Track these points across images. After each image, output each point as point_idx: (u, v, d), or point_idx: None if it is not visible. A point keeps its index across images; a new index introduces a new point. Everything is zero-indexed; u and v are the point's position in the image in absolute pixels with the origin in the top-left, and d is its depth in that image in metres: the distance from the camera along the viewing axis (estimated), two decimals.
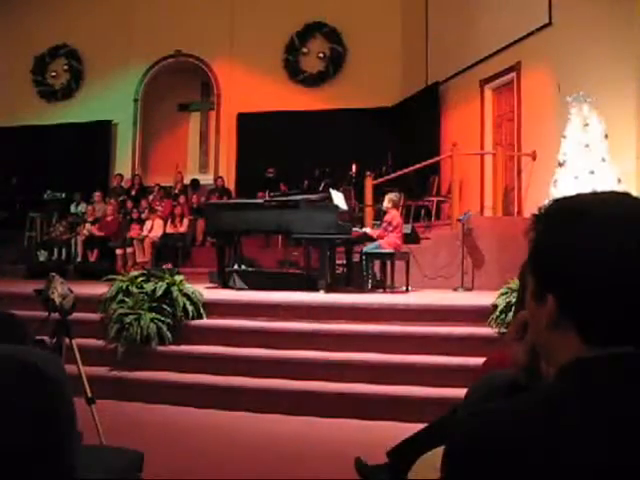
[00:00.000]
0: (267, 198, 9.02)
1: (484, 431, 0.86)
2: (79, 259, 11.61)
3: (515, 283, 5.61)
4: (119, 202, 12.97)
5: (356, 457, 3.54)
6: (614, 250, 0.87)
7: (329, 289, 7.33)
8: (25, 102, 15.39)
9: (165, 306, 6.05)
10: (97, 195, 13.15)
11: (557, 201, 0.96)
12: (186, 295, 6.20)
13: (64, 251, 11.84)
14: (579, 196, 0.96)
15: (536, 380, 1.04)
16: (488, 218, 9.78)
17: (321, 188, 11.01)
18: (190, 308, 6.13)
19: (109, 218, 12.09)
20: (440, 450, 1.01)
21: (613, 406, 0.83)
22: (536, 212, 0.98)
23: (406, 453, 2.12)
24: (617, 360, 0.87)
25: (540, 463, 0.81)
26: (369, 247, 7.93)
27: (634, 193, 0.96)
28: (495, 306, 5.68)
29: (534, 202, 9.04)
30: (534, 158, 9.62)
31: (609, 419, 0.82)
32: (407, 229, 8.64)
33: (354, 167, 12.24)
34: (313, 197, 8.29)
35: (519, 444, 0.83)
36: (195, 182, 14.27)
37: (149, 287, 6.17)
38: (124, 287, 6.28)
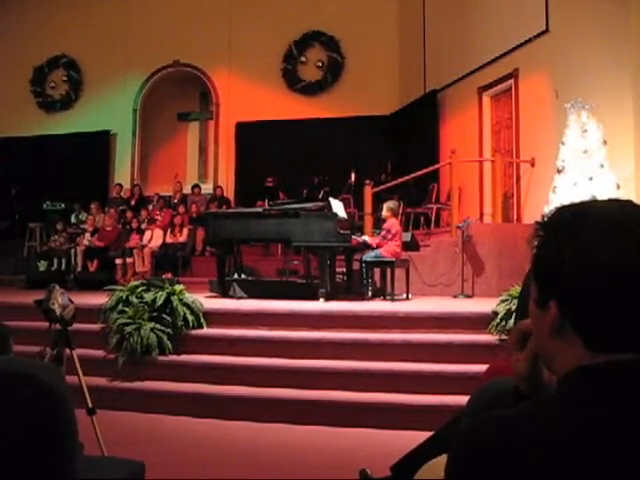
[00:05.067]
0: (266, 207, 9.02)
1: (486, 439, 0.86)
2: (79, 269, 11.59)
3: (515, 290, 5.61)
4: (119, 212, 12.96)
5: (361, 469, 3.52)
6: (615, 256, 0.87)
7: (329, 297, 7.32)
8: (24, 113, 15.42)
9: (165, 316, 6.05)
10: (94, 206, 13.13)
11: (560, 209, 0.97)
12: (186, 305, 6.19)
13: (64, 261, 11.83)
14: (581, 204, 0.96)
15: (538, 389, 1.04)
16: (487, 225, 9.78)
17: (320, 196, 11.02)
18: (190, 318, 6.12)
19: (109, 228, 12.08)
20: (443, 458, 1.01)
21: (614, 413, 0.83)
22: (539, 220, 0.98)
23: (410, 465, 2.10)
24: (619, 367, 0.87)
25: (542, 471, 0.81)
26: (369, 255, 7.93)
27: (633, 199, 0.96)
28: (495, 313, 5.68)
29: (533, 209, 9.05)
30: (533, 165, 9.63)
31: (610, 426, 0.83)
32: (406, 237, 8.62)
33: (353, 175, 12.26)
34: (312, 205, 8.29)
35: (521, 452, 0.83)
36: (195, 186, 14.23)
37: (149, 297, 6.16)
38: (124, 297, 6.27)
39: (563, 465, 0.81)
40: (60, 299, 3.76)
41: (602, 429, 0.82)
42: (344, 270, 8.79)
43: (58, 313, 3.73)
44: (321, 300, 7.21)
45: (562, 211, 0.96)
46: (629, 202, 0.94)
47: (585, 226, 0.91)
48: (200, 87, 15.48)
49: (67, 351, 3.83)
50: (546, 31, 9.30)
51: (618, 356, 0.88)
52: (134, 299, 6.21)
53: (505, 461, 0.83)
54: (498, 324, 5.57)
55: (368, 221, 10.44)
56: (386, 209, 8.15)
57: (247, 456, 4.41)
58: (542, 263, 0.95)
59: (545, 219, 0.97)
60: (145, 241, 11.74)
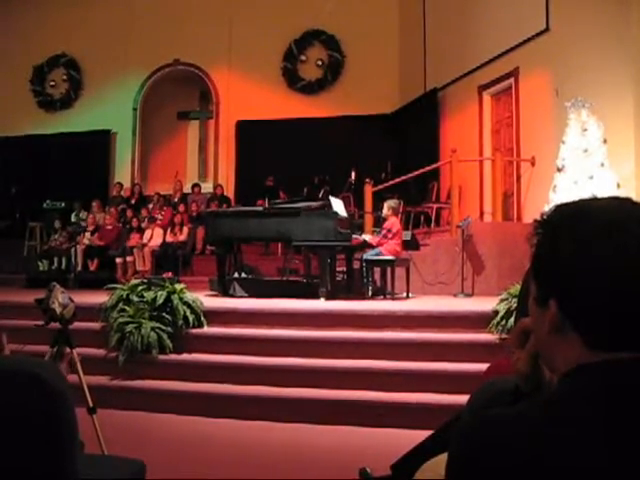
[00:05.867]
0: (266, 206, 9.02)
1: (485, 438, 0.87)
2: (79, 268, 11.59)
3: (515, 289, 5.61)
4: (119, 211, 12.97)
5: (361, 468, 3.51)
6: (615, 254, 0.87)
7: (329, 296, 7.32)
8: (24, 112, 15.42)
9: (166, 315, 6.05)
10: (95, 204, 13.16)
11: (559, 207, 0.97)
12: (186, 303, 6.19)
13: (64, 260, 11.83)
14: (580, 202, 0.96)
15: (538, 387, 1.04)
16: (487, 224, 9.78)
17: (320, 195, 11.01)
18: (191, 316, 6.12)
19: (109, 227, 12.09)
20: (443, 457, 1.01)
21: (613, 412, 0.83)
22: (538, 218, 0.98)
23: (411, 464, 2.10)
24: (618, 365, 0.87)
25: (541, 469, 0.81)
26: (369, 254, 7.93)
27: (633, 197, 0.96)
28: (496, 312, 5.68)
29: (533, 207, 9.05)
30: (533, 163, 9.63)
31: (609, 425, 0.83)
32: (407, 236, 8.62)
33: (353, 174, 12.26)
34: (312, 204, 8.29)
35: (520, 450, 0.83)
36: (195, 185, 14.23)
37: (149, 296, 6.17)
38: (124, 296, 6.28)
39: (562, 463, 0.81)
40: (60, 298, 3.76)
41: (601, 427, 0.82)
42: (344, 269, 8.79)
43: (58, 312, 3.73)
44: (321, 299, 7.21)
45: (561, 209, 0.96)
46: (628, 200, 0.94)
47: (584, 224, 0.91)
48: (200, 86, 15.48)
49: (67, 350, 3.83)
50: (546, 30, 9.30)
51: (618, 355, 0.88)
52: (134, 298, 6.21)
53: (504, 459, 0.83)
54: (498, 323, 5.57)
55: (368, 220, 10.44)
56: (387, 208, 8.15)
57: (248, 455, 4.41)
58: (541, 261, 0.95)
59: (544, 217, 0.97)
60: (145, 240, 11.75)
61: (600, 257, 0.88)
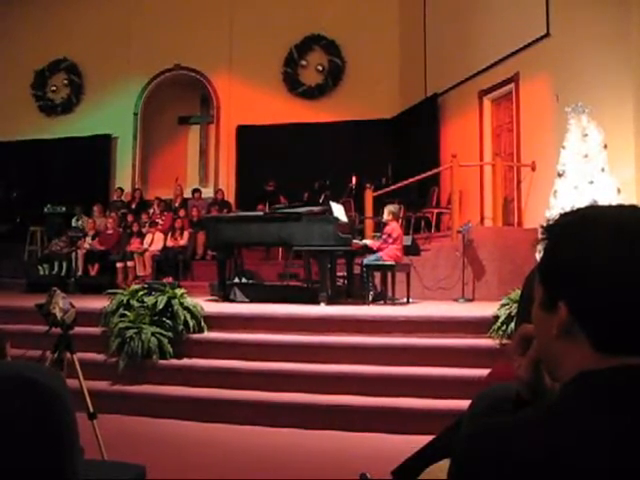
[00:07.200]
0: (267, 211, 9.03)
1: (488, 446, 0.86)
2: (80, 273, 11.60)
3: (516, 294, 5.61)
4: (119, 216, 12.97)
5: (361, 473, 3.50)
6: (624, 255, 0.87)
7: (330, 301, 7.32)
8: (25, 116, 15.42)
9: (166, 320, 6.05)
10: (97, 208, 13.18)
11: (566, 213, 0.98)
12: (187, 308, 6.19)
13: (64, 265, 11.83)
14: (588, 207, 0.97)
15: (540, 395, 1.04)
16: (488, 229, 9.78)
17: (321, 200, 11.02)
18: (191, 322, 6.12)
19: (109, 232, 12.09)
20: (444, 463, 1.01)
21: (616, 420, 0.83)
22: (544, 224, 0.99)
23: (411, 470, 2.10)
24: (623, 371, 0.87)
25: (542, 477, 0.81)
26: (369, 259, 7.93)
27: (634, 202, 0.97)
28: (496, 317, 5.68)
29: (534, 212, 9.05)
30: (533, 169, 9.62)
31: (612, 432, 0.82)
32: (407, 241, 8.63)
33: (354, 179, 12.27)
34: (313, 209, 8.30)
35: (522, 459, 0.83)
36: (196, 190, 14.23)
37: (150, 301, 6.17)
38: (125, 301, 6.28)
39: (563, 472, 0.81)
40: (61, 303, 3.76)
41: (604, 435, 0.82)
42: (345, 274, 8.79)
43: (59, 317, 3.74)
44: (322, 304, 7.21)
45: (569, 214, 0.97)
46: (634, 206, 0.95)
47: (594, 225, 0.91)
48: (201, 91, 15.50)
49: (68, 355, 3.83)
50: (547, 35, 9.31)
51: (627, 360, 0.87)
52: (135, 303, 6.21)
53: (506, 467, 0.83)
54: (499, 328, 5.57)
55: (369, 225, 10.44)
56: (387, 213, 8.15)
57: (249, 459, 4.41)
58: (550, 263, 0.95)
59: (552, 222, 0.98)
60: (146, 244, 11.75)
61: (610, 257, 0.88)
